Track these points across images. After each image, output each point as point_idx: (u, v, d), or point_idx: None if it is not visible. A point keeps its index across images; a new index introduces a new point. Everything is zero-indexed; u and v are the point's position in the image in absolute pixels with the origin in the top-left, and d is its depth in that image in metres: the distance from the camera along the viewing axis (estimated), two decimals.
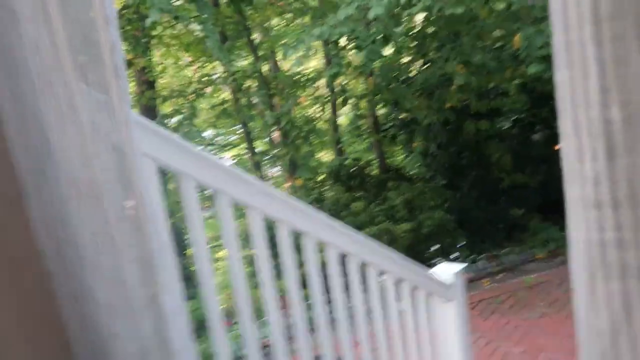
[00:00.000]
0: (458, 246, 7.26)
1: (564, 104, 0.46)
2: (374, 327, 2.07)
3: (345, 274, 1.94)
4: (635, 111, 0.44)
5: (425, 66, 7.08)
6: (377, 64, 5.88)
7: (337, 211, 6.91)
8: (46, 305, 0.97)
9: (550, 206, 8.43)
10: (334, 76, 5.36)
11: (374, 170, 8.52)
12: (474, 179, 8.37)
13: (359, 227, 6.61)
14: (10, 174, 0.96)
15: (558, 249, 7.34)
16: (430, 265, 6.00)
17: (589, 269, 0.48)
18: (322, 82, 7.72)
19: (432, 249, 7.21)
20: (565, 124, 0.46)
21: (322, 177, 8.14)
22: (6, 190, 0.96)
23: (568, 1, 0.43)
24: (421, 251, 7.07)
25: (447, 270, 2.46)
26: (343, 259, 1.90)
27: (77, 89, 0.95)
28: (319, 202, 7.13)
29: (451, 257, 7.21)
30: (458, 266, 2.52)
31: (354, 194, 7.45)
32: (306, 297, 1.74)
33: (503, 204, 8.55)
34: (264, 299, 1.62)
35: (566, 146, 0.47)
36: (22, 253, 0.96)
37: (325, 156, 11.64)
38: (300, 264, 1.73)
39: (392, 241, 6.48)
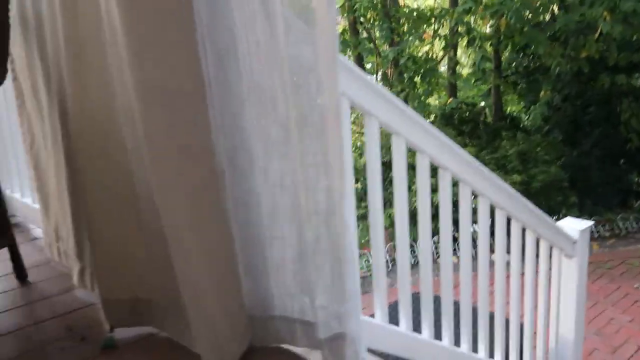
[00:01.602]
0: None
1: None
2: (494, 273, 2.04)
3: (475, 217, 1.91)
4: None
5: (564, 10, 6.54)
6: (511, 4, 5.50)
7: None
8: (215, 202, 1.03)
9: None
10: (467, 12, 5.09)
11: (489, 118, 8.19)
12: (597, 137, 7.82)
13: None
14: (196, 69, 0.99)
15: None
16: None
17: None
18: (446, 20, 7.38)
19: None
20: None
21: (432, 119, 7.93)
22: (193, 83, 0.99)
23: None
24: None
25: (574, 226, 2.35)
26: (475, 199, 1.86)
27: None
28: None
29: (560, 216, 6.90)
30: (586, 223, 2.40)
31: (465, 140, 7.23)
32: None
33: (625, 167, 7.97)
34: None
35: None
36: (198, 149, 1.01)
37: (437, 99, 11.31)
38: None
39: None
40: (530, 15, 5.88)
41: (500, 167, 6.56)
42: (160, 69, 0.93)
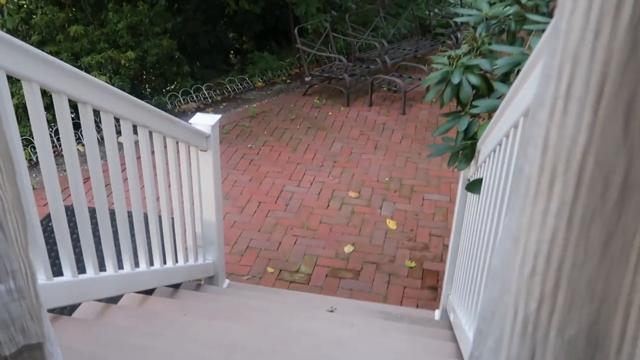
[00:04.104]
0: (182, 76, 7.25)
1: None
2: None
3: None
4: None
5: None
6: None
7: (53, 35, 6.12)
8: None
9: (268, 34, 8.85)
10: None
11: None
12: (198, 2, 8.17)
13: (79, 54, 6.05)
14: None
15: (275, 78, 7.90)
16: (160, 96, 5.92)
17: None
18: None
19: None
20: None
21: None
22: None
23: None
24: (147, 81, 6.90)
25: (204, 122, 2.56)
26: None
27: None
28: (27, 23, 6.17)
29: (175, 85, 7.20)
30: (214, 117, 2.64)
31: (69, 15, 6.63)
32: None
33: (224, 28, 8.63)
34: None
35: None
36: None
37: None
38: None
39: (117, 71, 6.14)
40: None
41: (112, 44, 6.33)
42: None
